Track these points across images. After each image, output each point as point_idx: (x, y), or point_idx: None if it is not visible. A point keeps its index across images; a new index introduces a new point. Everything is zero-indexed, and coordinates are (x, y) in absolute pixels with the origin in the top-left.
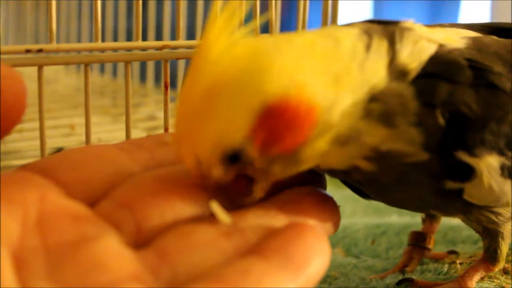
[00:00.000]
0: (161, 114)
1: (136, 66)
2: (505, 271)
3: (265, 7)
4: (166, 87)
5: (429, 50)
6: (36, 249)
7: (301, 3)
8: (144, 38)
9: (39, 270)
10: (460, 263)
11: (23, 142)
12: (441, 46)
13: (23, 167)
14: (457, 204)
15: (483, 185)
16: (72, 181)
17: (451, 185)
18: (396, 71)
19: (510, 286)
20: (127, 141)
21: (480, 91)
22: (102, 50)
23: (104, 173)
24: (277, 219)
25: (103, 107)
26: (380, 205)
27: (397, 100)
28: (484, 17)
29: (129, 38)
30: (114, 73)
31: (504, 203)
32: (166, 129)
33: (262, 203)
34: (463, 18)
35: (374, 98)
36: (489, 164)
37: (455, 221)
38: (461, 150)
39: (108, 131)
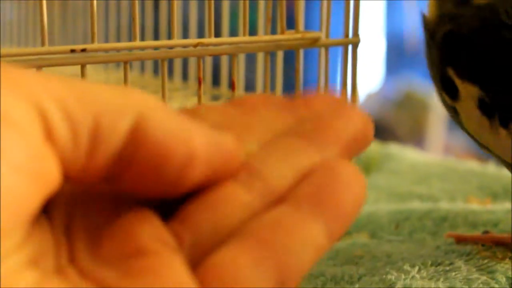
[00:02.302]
0: None
1: (178, 66)
2: None
3: (291, 7)
4: (200, 82)
5: None
6: None
7: (324, 3)
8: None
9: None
10: (483, 245)
11: None
12: None
13: None
14: None
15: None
16: None
17: (447, 100)
18: None
19: None
20: None
21: None
22: (142, 49)
23: None
24: (303, 156)
25: None
26: (402, 192)
27: None
28: None
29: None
30: (156, 71)
31: (484, 143)
32: None
33: (286, 136)
34: None
35: None
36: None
37: (475, 205)
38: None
39: None
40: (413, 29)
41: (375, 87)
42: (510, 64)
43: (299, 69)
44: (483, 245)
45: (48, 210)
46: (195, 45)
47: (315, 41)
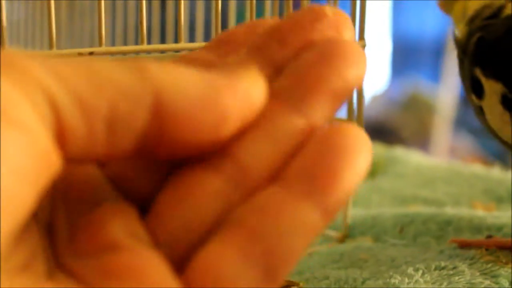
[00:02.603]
0: None
1: None
2: None
3: (298, 7)
4: None
5: None
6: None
7: (330, 3)
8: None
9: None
10: (486, 249)
11: None
12: None
13: None
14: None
15: (487, 105)
16: None
17: (474, 100)
18: None
19: None
20: None
21: None
22: (148, 52)
23: None
24: (286, 126)
25: None
26: (407, 195)
27: None
28: None
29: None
30: None
31: (506, 139)
32: None
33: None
34: None
35: None
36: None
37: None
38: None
39: None
40: (419, 31)
41: (381, 89)
42: None
43: None
44: (487, 249)
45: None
46: None
47: None
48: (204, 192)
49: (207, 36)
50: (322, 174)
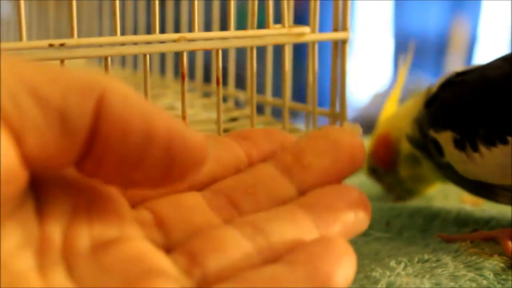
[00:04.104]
0: (179, 105)
1: (156, 59)
2: None
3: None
4: (183, 77)
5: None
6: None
7: (312, 3)
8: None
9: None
10: (471, 242)
11: None
12: None
13: None
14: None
15: (448, 155)
16: None
17: (442, 159)
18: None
19: None
20: None
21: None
22: (122, 44)
23: None
24: (303, 227)
25: None
26: None
27: None
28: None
29: (148, 32)
30: (135, 66)
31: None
32: (183, 117)
33: (291, 205)
34: (484, 17)
35: None
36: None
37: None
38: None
39: None
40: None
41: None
42: (460, 107)
43: (286, 65)
44: (471, 242)
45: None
46: (176, 40)
47: (301, 36)
48: (238, 250)
49: (190, 27)
50: (320, 268)
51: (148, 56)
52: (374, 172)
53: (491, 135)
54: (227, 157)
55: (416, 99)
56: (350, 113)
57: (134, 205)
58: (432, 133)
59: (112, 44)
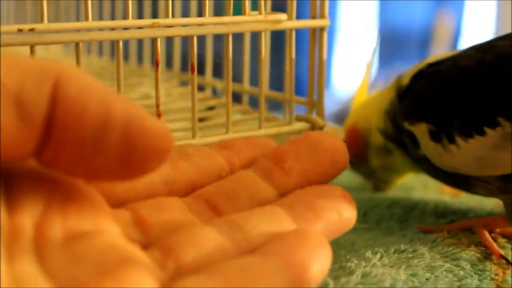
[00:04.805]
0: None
1: (133, 47)
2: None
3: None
4: (157, 64)
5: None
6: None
7: (289, 3)
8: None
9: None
10: (448, 232)
11: None
12: None
13: None
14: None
15: (424, 147)
16: None
17: (418, 152)
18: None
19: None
20: None
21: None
22: (90, 29)
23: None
24: (282, 223)
25: None
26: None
27: None
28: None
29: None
30: (112, 55)
31: (450, 165)
32: (157, 105)
33: (271, 205)
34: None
35: None
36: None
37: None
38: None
39: None
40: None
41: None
42: (434, 98)
43: (263, 52)
44: (449, 233)
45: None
46: (151, 26)
47: (278, 23)
48: (214, 244)
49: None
50: (295, 259)
51: (121, 42)
52: (350, 161)
53: (468, 126)
54: (208, 165)
55: (385, 90)
56: (334, 106)
57: (114, 207)
58: (407, 126)
59: (88, 30)
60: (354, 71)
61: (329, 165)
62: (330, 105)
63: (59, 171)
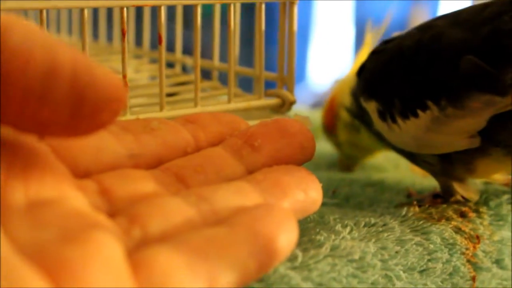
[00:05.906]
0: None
1: (102, 25)
2: (462, 215)
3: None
4: (123, 34)
5: None
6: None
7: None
8: None
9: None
10: (419, 206)
11: None
12: None
13: None
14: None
15: (376, 124)
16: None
17: (374, 129)
18: None
19: (467, 228)
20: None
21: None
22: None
23: (90, 154)
24: (249, 197)
25: None
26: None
27: None
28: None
29: None
30: (95, 35)
31: (396, 143)
32: (124, 76)
33: (239, 180)
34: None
35: None
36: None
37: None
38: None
39: None
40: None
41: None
42: (379, 77)
43: (231, 25)
44: (419, 207)
45: None
46: None
47: None
48: (180, 215)
49: None
50: (264, 230)
51: (86, 11)
52: (324, 131)
53: (405, 107)
54: (173, 139)
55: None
56: (310, 98)
57: (78, 178)
58: (362, 102)
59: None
60: (330, 64)
61: (298, 149)
62: (306, 98)
63: (8, 125)
